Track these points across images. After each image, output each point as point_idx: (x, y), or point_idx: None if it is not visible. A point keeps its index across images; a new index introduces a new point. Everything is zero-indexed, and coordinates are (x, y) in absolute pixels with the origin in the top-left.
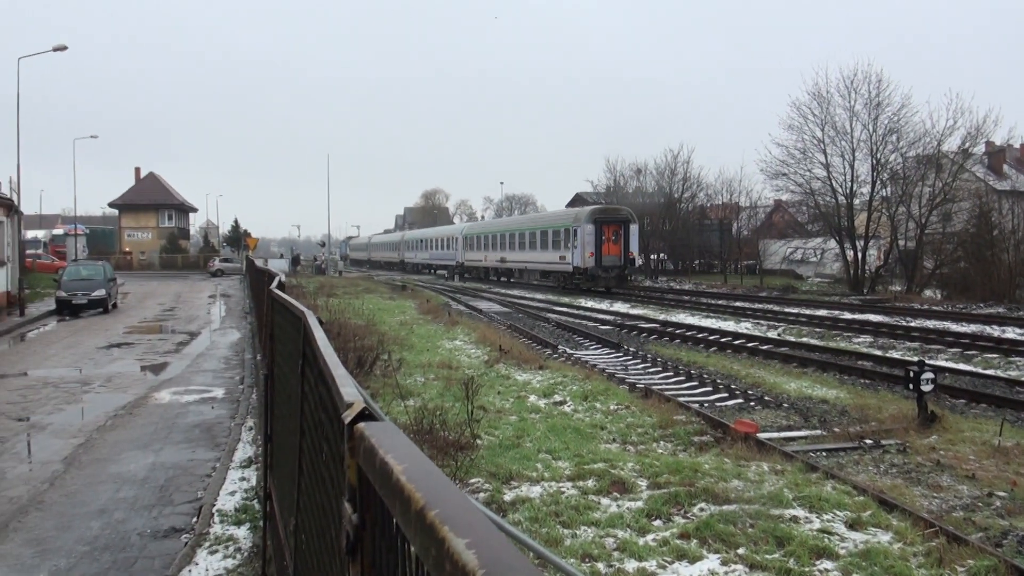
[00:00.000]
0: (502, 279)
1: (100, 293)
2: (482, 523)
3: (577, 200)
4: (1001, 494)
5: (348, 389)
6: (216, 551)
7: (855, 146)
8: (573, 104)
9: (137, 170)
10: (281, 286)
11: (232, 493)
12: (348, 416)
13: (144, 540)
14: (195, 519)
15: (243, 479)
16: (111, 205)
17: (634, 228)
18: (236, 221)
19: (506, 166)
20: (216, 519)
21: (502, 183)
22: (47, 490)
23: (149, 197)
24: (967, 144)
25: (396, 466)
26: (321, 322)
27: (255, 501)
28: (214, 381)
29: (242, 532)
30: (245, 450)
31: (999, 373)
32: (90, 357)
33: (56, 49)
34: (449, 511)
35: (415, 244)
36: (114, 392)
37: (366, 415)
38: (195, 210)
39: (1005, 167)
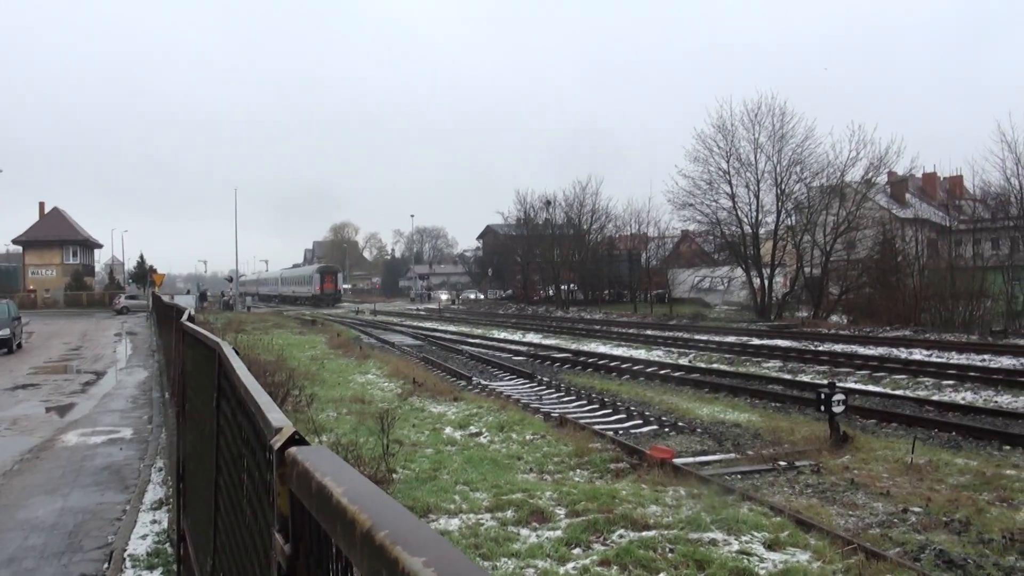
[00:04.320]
0: (295, 301)
1: (4, 333)
2: (436, 541)
3: (487, 232)
4: (916, 509)
5: (275, 415)
6: None
7: (760, 177)
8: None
9: (41, 205)
10: (191, 319)
11: (143, 537)
12: (278, 441)
13: None
14: (106, 565)
15: (154, 521)
16: (15, 242)
17: (340, 275)
18: (142, 257)
19: (419, 199)
20: (128, 564)
21: (412, 216)
22: None
23: (54, 233)
24: (870, 174)
25: (336, 488)
26: (236, 351)
27: (167, 544)
28: (122, 421)
29: None
30: (155, 491)
31: (908, 393)
32: None
33: None
34: (399, 531)
35: (263, 283)
36: (20, 435)
37: (296, 440)
38: (100, 246)
39: (907, 196)
